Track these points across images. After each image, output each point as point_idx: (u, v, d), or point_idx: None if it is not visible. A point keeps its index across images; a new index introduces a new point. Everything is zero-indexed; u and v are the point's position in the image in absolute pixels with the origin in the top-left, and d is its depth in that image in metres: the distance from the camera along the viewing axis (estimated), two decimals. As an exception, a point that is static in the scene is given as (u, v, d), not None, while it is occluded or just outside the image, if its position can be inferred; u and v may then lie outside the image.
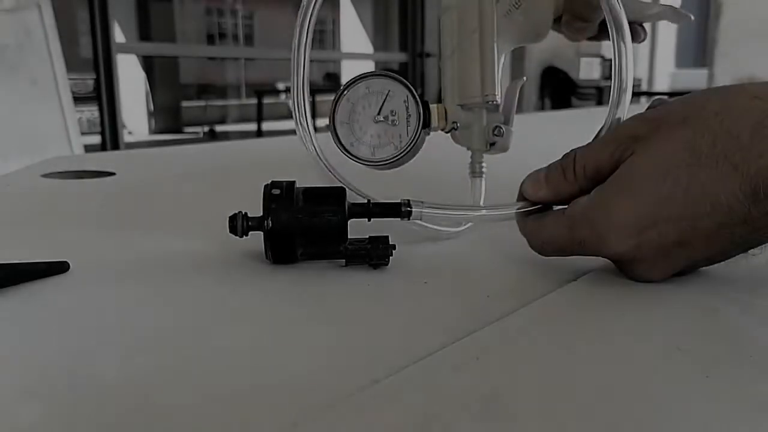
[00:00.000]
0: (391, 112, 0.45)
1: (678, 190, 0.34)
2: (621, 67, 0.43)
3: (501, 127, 0.45)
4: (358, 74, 0.45)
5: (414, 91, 0.45)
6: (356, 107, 0.45)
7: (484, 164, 0.47)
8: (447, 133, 0.47)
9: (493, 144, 0.46)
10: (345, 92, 0.45)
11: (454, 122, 0.46)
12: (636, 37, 0.54)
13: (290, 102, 0.46)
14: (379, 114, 0.45)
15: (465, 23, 0.46)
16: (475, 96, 0.45)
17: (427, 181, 0.56)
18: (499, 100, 0.46)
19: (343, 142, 0.45)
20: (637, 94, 7.31)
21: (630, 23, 0.51)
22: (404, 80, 0.45)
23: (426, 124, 0.45)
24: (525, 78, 0.49)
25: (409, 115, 0.44)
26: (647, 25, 0.57)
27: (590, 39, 0.55)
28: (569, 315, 0.35)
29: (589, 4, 0.51)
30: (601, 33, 0.53)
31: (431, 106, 0.46)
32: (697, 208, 0.34)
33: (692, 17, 0.55)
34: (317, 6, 0.45)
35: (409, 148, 0.44)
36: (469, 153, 0.47)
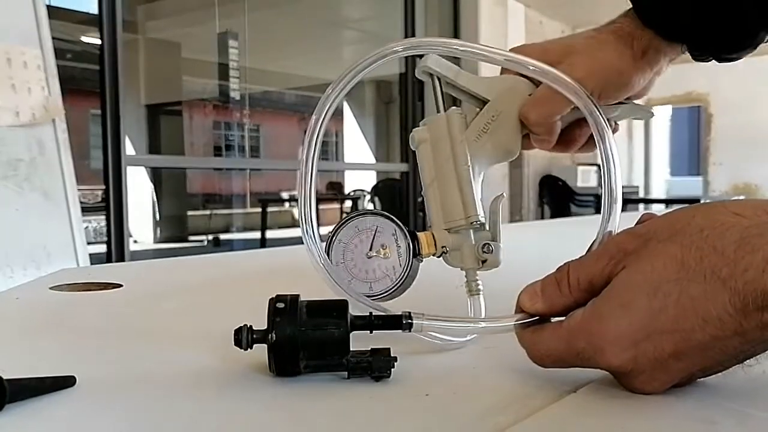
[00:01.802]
0: (382, 246, 0.47)
1: (669, 303, 0.35)
2: (611, 180, 0.46)
3: (490, 244, 0.47)
4: (345, 216, 0.48)
5: (401, 225, 0.47)
6: (348, 246, 0.47)
7: (479, 282, 0.48)
8: (438, 258, 0.49)
9: (484, 261, 0.48)
10: (335, 235, 0.47)
11: (443, 247, 0.48)
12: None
13: (297, 213, 0.49)
14: (370, 250, 0.47)
15: (439, 152, 0.50)
16: (458, 219, 0.48)
17: (432, 294, 0.57)
18: (482, 220, 0.48)
19: (338, 282, 0.47)
20: (635, 201, 7.43)
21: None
22: (390, 215, 0.47)
23: (416, 253, 0.47)
24: (503, 195, 0.51)
25: (399, 247, 0.47)
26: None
27: (564, 148, 0.56)
28: (568, 429, 0.35)
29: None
30: (570, 144, 0.55)
31: (419, 234, 0.48)
32: (689, 321, 0.35)
33: (653, 113, 0.55)
34: (323, 129, 0.48)
35: (403, 279, 0.46)
36: (464, 273, 0.49)
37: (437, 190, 0.49)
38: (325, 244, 0.48)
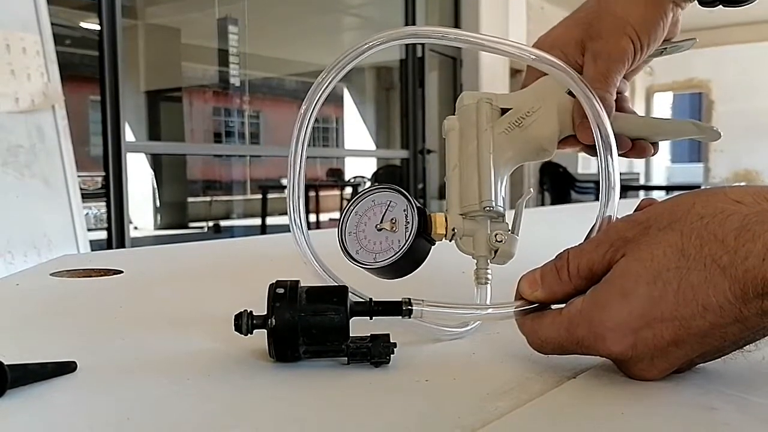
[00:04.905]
0: (392, 220, 0.47)
1: (669, 291, 0.35)
2: (608, 169, 0.46)
3: (504, 234, 0.47)
4: (366, 188, 0.49)
5: (413, 202, 0.47)
6: (362, 218, 0.48)
7: (489, 272, 0.48)
8: (450, 241, 0.49)
9: (496, 251, 0.48)
10: (354, 207, 0.48)
11: (453, 229, 0.48)
12: (646, 152, 0.55)
13: (287, 200, 0.49)
14: (381, 222, 0.47)
15: (464, 139, 0.50)
16: (473, 204, 0.48)
17: (432, 283, 0.57)
18: (498, 208, 0.48)
19: (349, 250, 0.47)
20: (635, 188, 7.42)
21: (641, 140, 0.53)
22: (406, 193, 0.47)
23: (422, 229, 0.47)
24: (531, 190, 0.51)
25: (408, 222, 0.47)
26: None
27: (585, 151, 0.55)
28: (568, 414, 0.35)
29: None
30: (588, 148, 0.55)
31: (432, 214, 0.48)
32: (688, 308, 0.35)
33: (720, 132, 0.52)
34: (312, 118, 0.48)
35: (406, 251, 0.46)
36: (474, 262, 0.49)
37: (458, 176, 0.49)
38: (341, 214, 0.48)
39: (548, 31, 0.55)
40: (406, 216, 0.47)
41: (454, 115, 0.52)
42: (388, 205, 0.48)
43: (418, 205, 0.47)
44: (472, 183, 0.48)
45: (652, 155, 0.56)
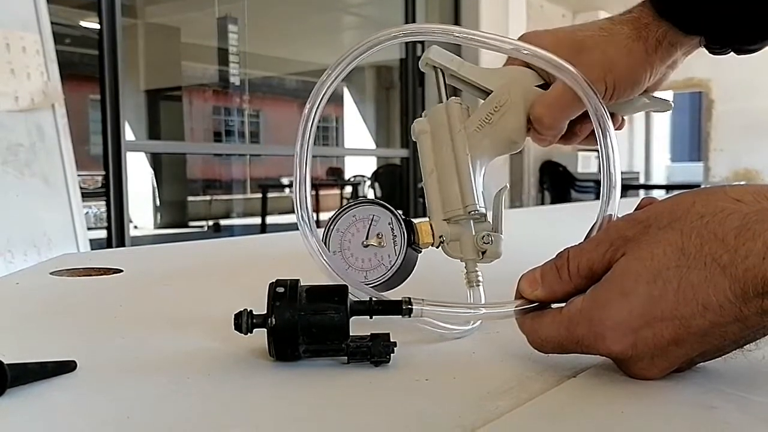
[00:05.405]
0: (378, 235, 0.47)
1: (669, 290, 0.35)
2: (609, 167, 0.46)
3: (490, 235, 0.47)
4: (343, 205, 0.48)
5: (397, 214, 0.47)
6: (345, 236, 0.47)
7: (479, 273, 0.48)
8: (437, 248, 0.48)
9: (484, 252, 0.47)
10: (334, 224, 0.47)
11: (440, 236, 0.48)
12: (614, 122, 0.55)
13: (293, 198, 0.49)
14: (367, 239, 0.47)
15: (438, 142, 0.49)
16: (457, 208, 0.47)
17: (432, 283, 0.57)
18: (481, 210, 0.48)
19: (336, 270, 0.47)
20: (635, 187, 7.41)
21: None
22: (387, 205, 0.47)
23: (411, 242, 0.46)
24: (507, 186, 0.51)
25: (395, 236, 0.46)
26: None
27: (564, 142, 0.56)
28: (568, 413, 0.35)
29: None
30: (570, 138, 0.55)
31: (417, 224, 0.48)
32: (689, 307, 0.35)
33: (671, 103, 0.55)
34: (317, 116, 0.48)
35: (398, 267, 0.46)
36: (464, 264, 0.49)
37: (436, 180, 0.49)
38: (322, 233, 0.48)
39: (539, 33, 0.55)
40: (393, 229, 0.47)
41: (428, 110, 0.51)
42: (372, 220, 0.47)
43: (403, 216, 0.47)
44: (452, 187, 0.48)
45: (618, 129, 0.56)
